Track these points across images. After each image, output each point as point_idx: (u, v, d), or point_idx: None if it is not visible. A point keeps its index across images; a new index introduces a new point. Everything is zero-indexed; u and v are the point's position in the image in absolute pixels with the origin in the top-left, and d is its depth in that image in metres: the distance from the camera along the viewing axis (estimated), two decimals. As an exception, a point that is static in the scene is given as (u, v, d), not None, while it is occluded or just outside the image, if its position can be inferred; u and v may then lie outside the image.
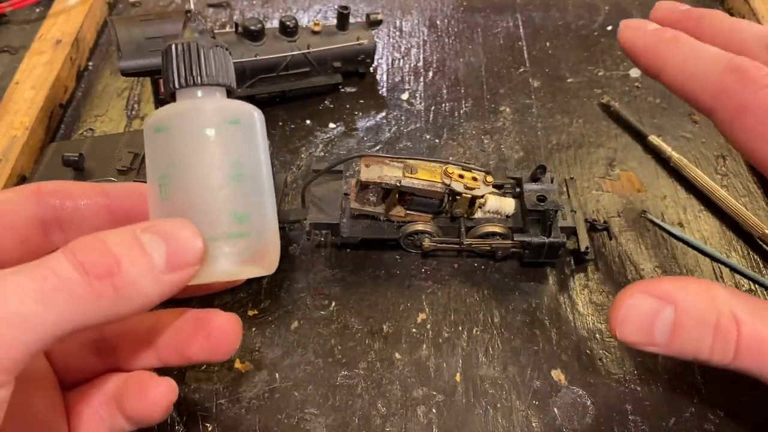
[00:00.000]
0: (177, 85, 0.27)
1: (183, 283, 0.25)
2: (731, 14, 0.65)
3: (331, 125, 0.55)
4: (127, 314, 0.24)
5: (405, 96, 0.57)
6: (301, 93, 0.56)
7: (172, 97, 0.27)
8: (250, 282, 0.43)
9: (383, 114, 0.56)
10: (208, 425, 0.37)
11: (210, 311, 0.30)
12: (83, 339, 0.31)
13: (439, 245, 0.43)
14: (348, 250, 0.46)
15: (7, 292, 0.21)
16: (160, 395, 0.29)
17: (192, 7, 0.26)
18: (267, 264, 0.28)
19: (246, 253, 0.26)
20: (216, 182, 0.26)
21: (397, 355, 0.40)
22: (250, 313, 0.42)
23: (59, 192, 0.29)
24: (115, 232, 0.24)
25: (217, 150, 0.26)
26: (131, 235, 0.24)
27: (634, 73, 0.59)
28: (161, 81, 0.50)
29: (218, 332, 0.30)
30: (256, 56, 0.52)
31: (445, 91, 0.58)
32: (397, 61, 0.61)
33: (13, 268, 0.23)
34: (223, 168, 0.26)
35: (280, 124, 0.54)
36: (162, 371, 0.31)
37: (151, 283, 0.24)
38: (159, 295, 0.24)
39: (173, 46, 0.27)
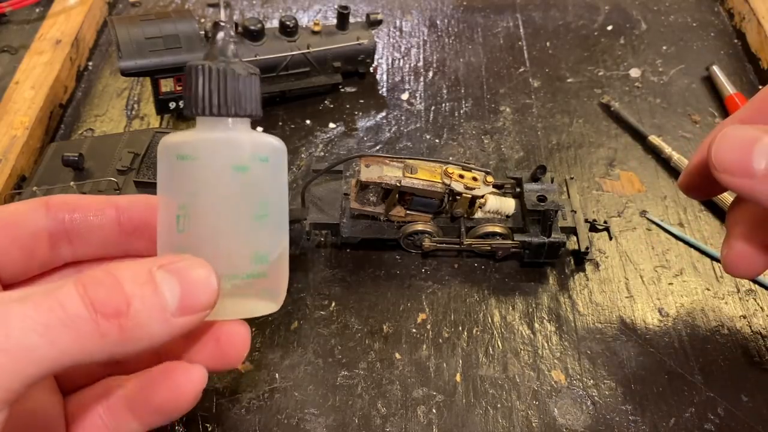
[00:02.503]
0: (207, 112, 0.25)
1: (192, 326, 0.24)
2: (731, 15, 0.65)
3: (331, 125, 0.55)
4: (132, 354, 0.23)
5: (405, 96, 0.57)
6: (301, 93, 0.56)
7: (191, 118, 0.26)
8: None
9: (383, 114, 0.56)
10: (208, 425, 0.37)
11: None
12: None
13: (439, 245, 0.43)
14: (348, 250, 0.46)
15: (10, 321, 0.21)
16: (191, 383, 0.28)
17: (222, 17, 0.25)
18: (277, 299, 0.27)
19: (262, 293, 0.26)
20: (242, 222, 0.25)
21: (397, 355, 0.40)
22: (250, 313, 0.42)
23: (68, 204, 0.28)
24: (130, 266, 0.23)
25: (247, 188, 0.25)
26: (146, 272, 0.23)
27: (634, 73, 0.59)
28: (161, 81, 0.50)
29: (227, 339, 0.29)
30: (256, 56, 0.52)
31: (445, 91, 0.58)
32: (397, 61, 0.61)
33: (18, 292, 0.22)
34: (251, 208, 0.25)
35: (280, 124, 0.54)
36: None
37: (160, 326, 0.23)
38: (166, 337, 0.23)
39: (207, 68, 0.25)
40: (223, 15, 0.27)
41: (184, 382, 0.28)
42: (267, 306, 0.27)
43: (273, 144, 0.26)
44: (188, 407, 0.28)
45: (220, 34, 0.26)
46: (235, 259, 0.25)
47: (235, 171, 0.25)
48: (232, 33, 0.26)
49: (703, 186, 0.35)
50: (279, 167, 0.27)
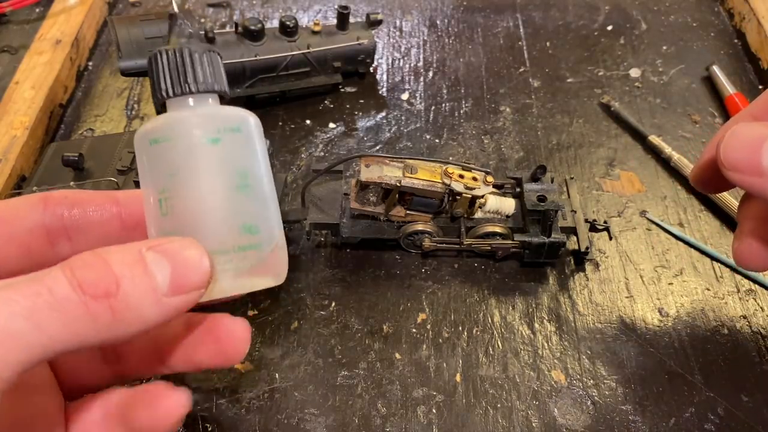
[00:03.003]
0: (170, 94, 0.25)
1: (187, 306, 0.24)
2: (731, 15, 0.65)
3: (331, 125, 0.55)
4: (125, 337, 0.23)
5: (405, 96, 0.57)
6: (301, 93, 0.56)
7: (162, 107, 0.26)
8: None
9: (383, 114, 0.56)
10: (208, 425, 0.37)
11: (218, 315, 0.29)
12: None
13: (439, 245, 0.43)
14: (348, 250, 0.46)
15: None
16: (171, 408, 0.27)
17: (176, 9, 0.25)
18: (277, 274, 0.27)
19: (257, 266, 0.26)
20: (222, 194, 0.25)
21: (397, 355, 0.40)
22: (250, 313, 0.42)
23: (67, 199, 0.28)
24: (119, 249, 0.23)
25: (222, 160, 0.25)
26: (135, 253, 0.23)
27: (634, 73, 0.59)
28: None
29: (227, 336, 0.28)
30: (256, 56, 0.52)
31: (445, 91, 0.58)
32: (397, 61, 0.61)
33: (4, 281, 0.21)
34: (229, 178, 0.25)
35: (280, 124, 0.54)
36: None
37: (152, 306, 0.23)
38: (160, 318, 0.23)
39: (161, 54, 0.25)
40: (175, 6, 0.27)
41: (165, 409, 0.27)
42: (266, 281, 0.27)
43: (242, 115, 0.26)
44: (169, 431, 0.28)
45: (176, 26, 0.26)
46: (223, 233, 0.25)
47: (207, 144, 0.25)
48: (186, 22, 0.26)
49: (714, 181, 0.35)
50: (253, 137, 0.27)
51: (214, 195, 0.25)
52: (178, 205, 0.25)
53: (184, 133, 0.25)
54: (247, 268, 0.25)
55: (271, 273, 0.27)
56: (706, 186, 0.37)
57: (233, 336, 0.28)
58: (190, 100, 0.26)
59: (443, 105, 0.57)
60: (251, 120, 0.27)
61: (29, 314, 0.21)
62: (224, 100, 0.27)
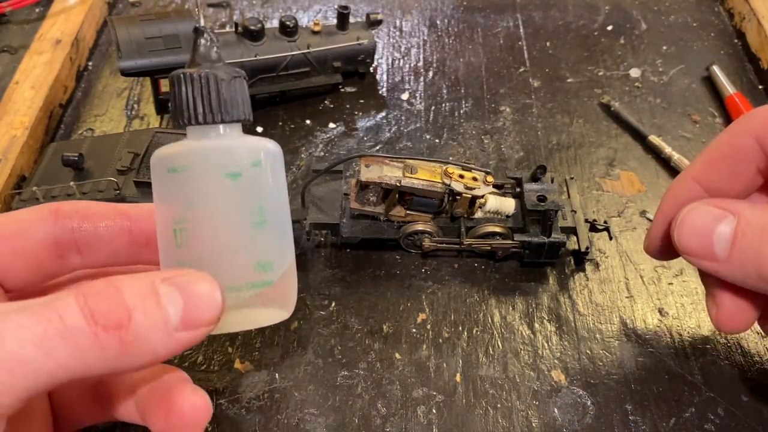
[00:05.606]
0: (192, 121, 0.24)
1: (196, 341, 0.23)
2: (731, 15, 0.65)
3: (331, 125, 0.55)
4: (133, 369, 0.23)
5: (405, 96, 0.57)
6: (301, 93, 0.56)
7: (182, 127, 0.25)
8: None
9: (383, 114, 0.56)
10: (208, 425, 0.37)
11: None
12: (84, 384, 0.29)
13: (439, 245, 0.43)
14: (348, 250, 0.45)
15: (7, 332, 0.20)
16: (194, 411, 0.26)
17: (202, 23, 0.23)
18: (285, 304, 0.26)
19: (269, 302, 0.25)
20: (240, 231, 0.24)
21: (397, 355, 0.40)
22: (250, 313, 0.42)
23: (78, 212, 0.28)
24: (133, 279, 0.23)
25: (241, 195, 0.25)
26: (149, 284, 0.23)
27: (634, 73, 0.59)
28: (161, 81, 0.50)
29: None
30: (256, 56, 0.52)
31: (445, 91, 0.58)
32: (397, 61, 0.61)
33: (17, 303, 0.21)
34: (248, 215, 0.25)
35: (280, 124, 0.54)
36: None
37: (162, 340, 0.22)
38: (169, 352, 0.23)
39: (185, 77, 0.24)
40: (202, 20, 0.26)
41: (188, 410, 0.26)
42: (275, 314, 0.26)
43: (266, 147, 0.26)
44: None
45: (201, 40, 0.25)
46: (237, 270, 0.25)
47: (226, 179, 0.24)
48: (214, 37, 0.25)
49: (669, 251, 0.35)
50: (274, 170, 0.26)
51: (230, 231, 0.25)
52: (193, 238, 0.24)
53: (204, 165, 0.24)
54: (260, 304, 0.25)
55: (279, 304, 0.26)
56: (663, 256, 0.37)
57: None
58: (219, 129, 0.25)
59: (443, 105, 0.57)
60: (272, 150, 0.26)
61: (40, 341, 0.20)
62: (246, 126, 0.26)
